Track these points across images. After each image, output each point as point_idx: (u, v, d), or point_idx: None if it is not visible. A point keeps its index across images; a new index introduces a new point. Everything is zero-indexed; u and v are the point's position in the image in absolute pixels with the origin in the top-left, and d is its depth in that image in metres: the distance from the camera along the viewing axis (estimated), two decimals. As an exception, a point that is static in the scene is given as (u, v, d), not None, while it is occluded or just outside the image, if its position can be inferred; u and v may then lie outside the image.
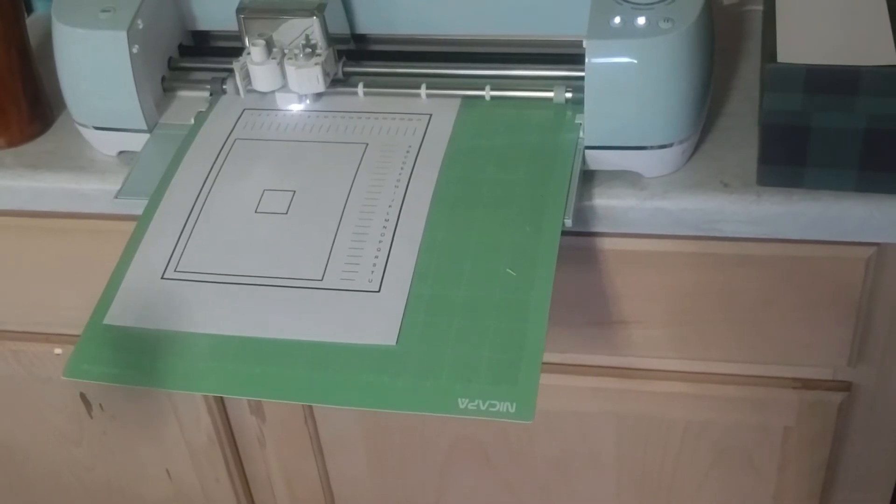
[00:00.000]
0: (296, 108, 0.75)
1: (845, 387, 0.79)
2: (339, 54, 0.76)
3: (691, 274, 0.75)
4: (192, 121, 0.76)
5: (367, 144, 0.72)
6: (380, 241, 0.66)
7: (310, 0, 0.72)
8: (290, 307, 0.64)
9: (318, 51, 0.73)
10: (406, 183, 0.69)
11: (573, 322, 0.79)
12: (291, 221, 0.69)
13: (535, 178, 0.68)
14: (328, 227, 0.68)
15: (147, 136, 0.75)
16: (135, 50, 0.72)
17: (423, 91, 0.74)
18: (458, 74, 0.75)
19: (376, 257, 0.66)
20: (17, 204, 0.79)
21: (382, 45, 0.79)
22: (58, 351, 0.90)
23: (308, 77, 0.73)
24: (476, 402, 0.59)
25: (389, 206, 0.68)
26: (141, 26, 0.72)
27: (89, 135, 0.77)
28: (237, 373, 0.63)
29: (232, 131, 0.75)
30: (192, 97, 0.77)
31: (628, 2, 0.67)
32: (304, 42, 0.73)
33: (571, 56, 0.70)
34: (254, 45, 0.72)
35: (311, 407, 0.90)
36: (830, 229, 0.68)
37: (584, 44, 0.65)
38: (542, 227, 0.66)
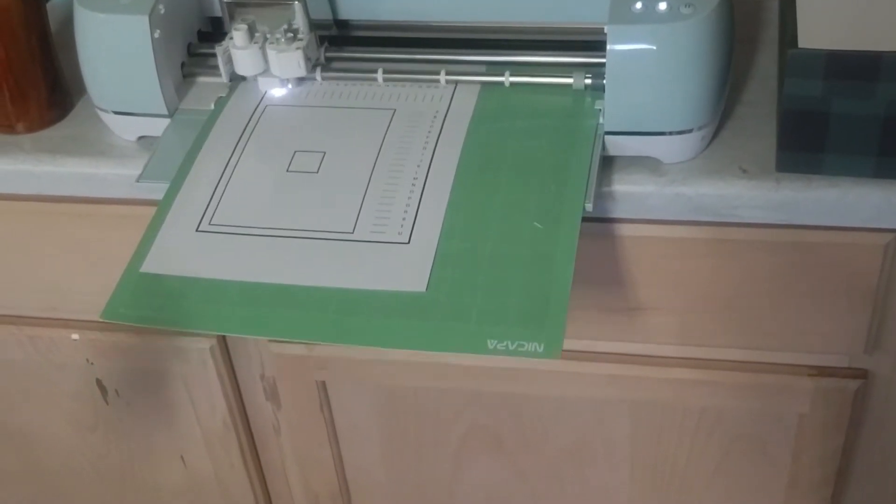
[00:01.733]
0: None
1: (861, 374, 0.79)
2: (322, 40, 0.77)
3: (708, 261, 0.75)
4: (213, 106, 0.76)
5: (395, 110, 0.74)
6: (409, 198, 0.68)
7: None
8: (322, 257, 0.67)
9: (299, 35, 0.74)
10: (434, 145, 0.71)
11: (589, 308, 0.79)
12: (322, 179, 0.71)
13: (558, 146, 0.70)
14: (358, 185, 0.70)
15: (167, 121, 0.75)
16: (156, 35, 0.72)
17: (442, 77, 0.75)
18: (478, 61, 0.75)
19: (405, 212, 0.68)
20: (36, 189, 0.79)
21: (368, 32, 0.79)
22: (75, 336, 0.90)
23: (289, 61, 0.74)
24: (505, 343, 0.61)
25: (418, 167, 0.70)
26: (162, 11, 0.73)
27: (109, 120, 0.77)
28: (270, 316, 0.65)
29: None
30: (211, 83, 0.78)
31: (649, -13, 0.67)
32: (286, 27, 0.74)
33: (590, 42, 0.71)
34: (236, 29, 0.73)
35: (326, 394, 0.90)
36: (849, 216, 0.69)
37: (606, 29, 0.66)
38: (567, 186, 0.67)
